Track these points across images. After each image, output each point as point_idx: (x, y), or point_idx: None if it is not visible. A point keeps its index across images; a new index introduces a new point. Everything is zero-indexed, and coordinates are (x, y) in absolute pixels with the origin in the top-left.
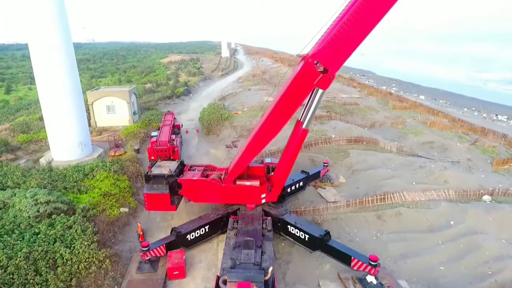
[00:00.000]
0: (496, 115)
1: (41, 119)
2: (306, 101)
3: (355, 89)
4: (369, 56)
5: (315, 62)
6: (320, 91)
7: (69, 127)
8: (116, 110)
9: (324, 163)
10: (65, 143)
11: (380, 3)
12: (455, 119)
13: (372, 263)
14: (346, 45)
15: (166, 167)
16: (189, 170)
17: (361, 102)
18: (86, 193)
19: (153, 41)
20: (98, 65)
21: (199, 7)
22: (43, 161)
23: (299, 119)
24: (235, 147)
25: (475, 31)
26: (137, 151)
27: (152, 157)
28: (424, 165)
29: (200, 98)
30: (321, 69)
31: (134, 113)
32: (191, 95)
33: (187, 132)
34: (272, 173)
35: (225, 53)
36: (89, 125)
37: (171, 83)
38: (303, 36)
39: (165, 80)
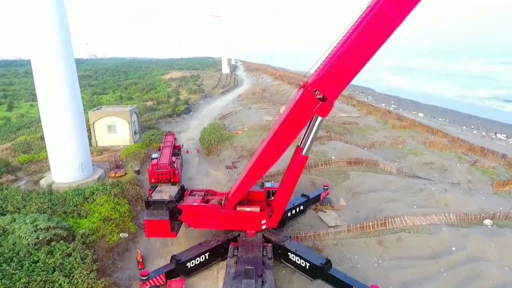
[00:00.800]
0: (495, 133)
1: (42, 138)
2: (305, 127)
3: (354, 108)
4: (367, 72)
5: (314, 90)
6: (320, 118)
7: (70, 148)
8: (117, 129)
9: (324, 186)
10: (66, 165)
11: (377, 35)
12: (454, 138)
13: None
14: (344, 74)
15: (166, 193)
16: (189, 195)
17: (360, 121)
18: (86, 217)
19: (154, 57)
20: (100, 82)
21: (200, 23)
22: (43, 182)
23: (299, 144)
24: (235, 168)
25: (468, 47)
26: (138, 172)
27: (153, 180)
28: (424, 188)
29: (200, 116)
30: (320, 96)
31: (135, 133)
32: (191, 113)
33: (187, 152)
34: (273, 197)
35: (225, 69)
36: (90, 145)
37: (172, 101)
38: (302, 48)
39: (166, 97)
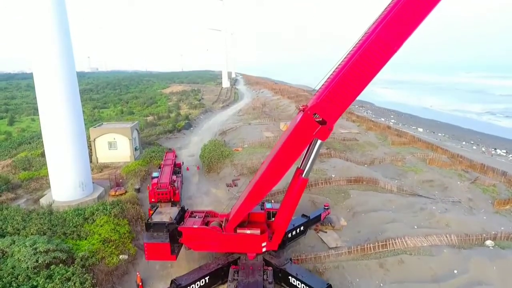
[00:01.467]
0: (495, 149)
1: (42, 154)
2: (305, 150)
3: (354, 124)
4: (367, 86)
5: (314, 113)
6: (319, 141)
7: (71, 167)
8: (117, 146)
9: (324, 205)
10: (66, 183)
11: (375, 61)
12: (454, 155)
13: None
14: (343, 98)
15: (166, 214)
16: (189, 216)
17: (360, 138)
18: (86, 239)
19: (155, 70)
20: (101, 95)
21: (201, 37)
22: (43, 201)
23: (299, 166)
24: (235, 185)
25: (466, 59)
26: (138, 190)
27: (153, 199)
28: (425, 207)
29: (201, 131)
30: (320, 120)
31: (136, 149)
32: (192, 128)
33: (188, 169)
34: (273, 218)
35: (226, 83)
36: (90, 161)
37: (172, 116)
38: (302, 49)
39: (167, 112)
